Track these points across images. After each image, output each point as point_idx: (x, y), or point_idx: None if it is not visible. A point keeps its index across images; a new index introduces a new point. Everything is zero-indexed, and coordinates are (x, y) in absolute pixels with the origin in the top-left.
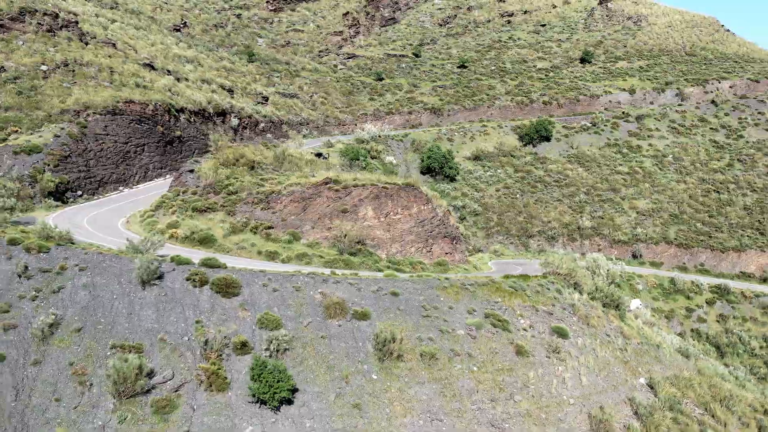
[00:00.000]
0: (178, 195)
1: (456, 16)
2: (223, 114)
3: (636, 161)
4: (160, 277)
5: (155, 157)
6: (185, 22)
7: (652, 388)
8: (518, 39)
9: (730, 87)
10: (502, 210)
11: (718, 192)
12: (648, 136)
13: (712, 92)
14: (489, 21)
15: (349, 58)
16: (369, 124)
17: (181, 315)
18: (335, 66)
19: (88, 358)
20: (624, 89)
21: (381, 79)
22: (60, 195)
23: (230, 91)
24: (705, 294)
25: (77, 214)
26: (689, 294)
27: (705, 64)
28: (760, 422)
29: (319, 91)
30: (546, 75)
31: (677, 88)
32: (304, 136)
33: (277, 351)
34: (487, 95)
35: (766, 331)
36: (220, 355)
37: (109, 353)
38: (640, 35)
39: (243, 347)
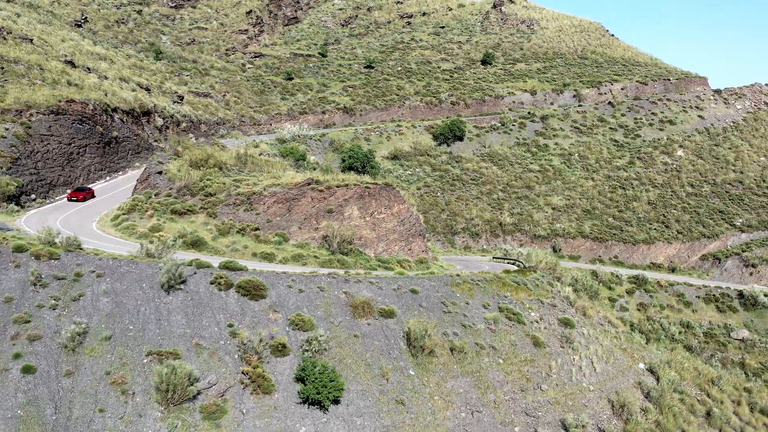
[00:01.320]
0: (151, 197)
1: (357, 16)
2: (147, 114)
3: (545, 159)
4: (183, 282)
5: (96, 159)
6: (86, 18)
7: (652, 372)
8: (420, 40)
9: (622, 89)
10: (426, 208)
11: (623, 188)
12: (554, 136)
13: (605, 94)
14: (389, 22)
15: (256, 57)
16: (288, 123)
17: (213, 319)
18: (243, 65)
19: (125, 367)
20: (526, 90)
21: (291, 79)
22: (16, 199)
23: (147, 89)
24: (625, 285)
25: (46, 218)
26: (610, 285)
27: (597, 66)
28: (748, 399)
29: (231, 91)
30: (451, 76)
31: (574, 90)
32: (222, 136)
33: (317, 351)
34: (397, 95)
35: (683, 317)
36: (260, 357)
37: (145, 360)
38: (534, 39)
39: (282, 349)
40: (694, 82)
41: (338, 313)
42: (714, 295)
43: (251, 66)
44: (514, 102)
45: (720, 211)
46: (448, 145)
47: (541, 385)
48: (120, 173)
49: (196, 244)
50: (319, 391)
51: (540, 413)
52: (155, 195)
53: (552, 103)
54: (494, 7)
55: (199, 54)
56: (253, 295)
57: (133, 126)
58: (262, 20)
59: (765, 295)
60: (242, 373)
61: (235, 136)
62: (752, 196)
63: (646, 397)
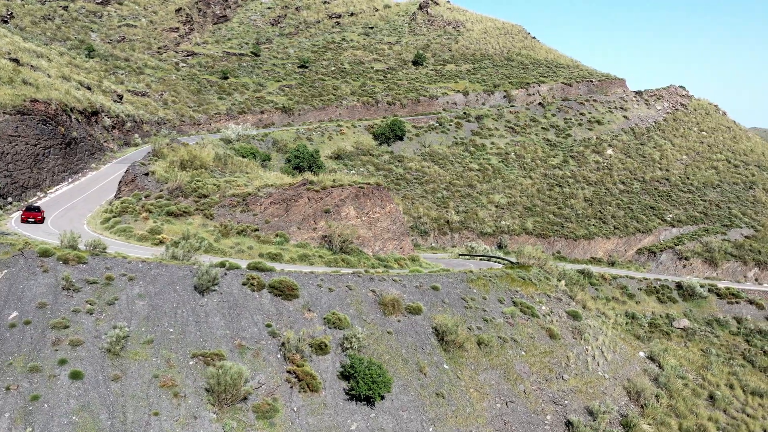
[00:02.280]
0: (141, 199)
1: (286, 16)
2: (95, 114)
3: (484, 159)
4: (216, 283)
5: (59, 160)
6: (11, 13)
7: (652, 360)
8: (351, 41)
9: (549, 90)
10: None
11: (560, 186)
12: (489, 135)
13: (533, 94)
14: (319, 22)
15: (189, 55)
16: (231, 123)
17: (251, 320)
18: (177, 64)
19: (172, 369)
20: (458, 91)
21: (226, 78)
22: None
23: (89, 88)
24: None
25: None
26: (558, 279)
27: (523, 68)
28: (739, 382)
29: (167, 90)
30: (385, 76)
31: (504, 91)
32: (165, 136)
33: (357, 349)
34: (334, 95)
35: (628, 309)
36: (302, 356)
37: (191, 362)
38: (461, 40)
39: (324, 347)
40: (614, 83)
41: (369, 311)
42: (654, 287)
43: (185, 65)
44: (447, 102)
45: (651, 207)
46: (389, 145)
47: (563, 375)
48: (80, 175)
49: (175, 245)
50: (370, 387)
51: (566, 401)
52: (145, 197)
53: (484, 104)
54: (420, 8)
55: (131, 52)
56: (287, 295)
57: (87, 126)
58: (191, 18)
59: (701, 286)
60: (287, 372)
61: (173, 135)
62: (679, 192)
63: (655, 383)
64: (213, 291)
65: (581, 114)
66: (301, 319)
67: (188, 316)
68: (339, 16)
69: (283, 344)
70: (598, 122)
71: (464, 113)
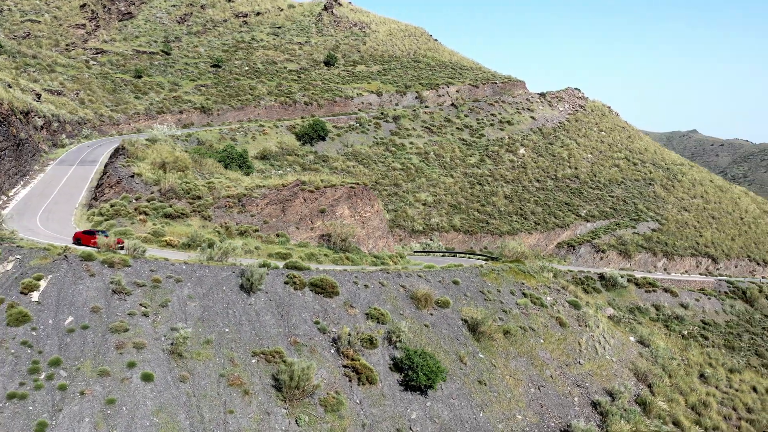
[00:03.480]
0: (131, 201)
1: (192, 13)
2: (26, 114)
3: (405, 158)
4: (261, 283)
5: (12, 162)
6: None
7: (642, 343)
8: (261, 40)
9: (457, 91)
10: None
11: (480, 184)
12: (407, 135)
13: (443, 95)
14: (226, 21)
15: (98, 53)
16: (156, 123)
17: (299, 317)
18: (87, 61)
19: (236, 368)
20: (372, 92)
21: (140, 77)
22: None
23: (9, 86)
24: None
25: (22, 223)
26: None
27: (430, 69)
28: (719, 362)
29: (82, 89)
30: (299, 76)
31: (416, 92)
32: (86, 136)
33: (402, 341)
34: (252, 95)
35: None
36: (355, 350)
37: (253, 361)
38: (369, 41)
39: (373, 342)
40: (516, 85)
41: (404, 306)
42: (580, 278)
43: (95, 63)
44: (363, 103)
45: (566, 204)
46: (312, 145)
47: (579, 360)
48: (28, 178)
49: (210, 246)
50: (429, 376)
51: (587, 384)
52: (136, 199)
53: (397, 104)
54: (325, 9)
55: (38, 49)
56: (329, 292)
57: (26, 127)
58: (97, 15)
59: (621, 277)
60: (344, 366)
61: (96, 136)
62: (589, 189)
63: (653, 365)
64: (259, 290)
65: (492, 115)
66: (345, 316)
67: (240, 315)
68: (245, 16)
69: (334, 340)
70: (509, 123)
71: (381, 113)
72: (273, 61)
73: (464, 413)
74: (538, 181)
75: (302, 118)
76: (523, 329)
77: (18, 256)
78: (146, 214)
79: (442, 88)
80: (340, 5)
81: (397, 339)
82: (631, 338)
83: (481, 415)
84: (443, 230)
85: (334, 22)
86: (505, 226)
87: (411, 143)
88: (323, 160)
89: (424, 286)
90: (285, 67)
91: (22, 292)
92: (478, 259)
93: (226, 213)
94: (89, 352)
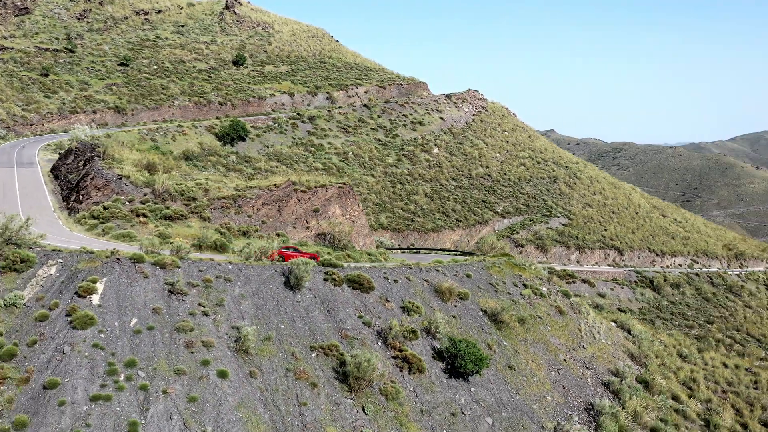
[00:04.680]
0: (124, 204)
1: (91, 10)
2: None
3: (326, 158)
4: (305, 280)
5: None
6: None
7: (622, 328)
8: (166, 39)
9: (365, 92)
10: None
11: (401, 183)
12: (324, 136)
13: (353, 96)
14: (126, 18)
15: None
16: (77, 123)
17: (344, 312)
18: None
19: (299, 362)
20: (284, 92)
21: (47, 75)
22: None
23: None
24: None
25: None
26: None
27: (337, 70)
28: (686, 342)
29: None
30: (210, 76)
31: (327, 92)
32: (2, 137)
33: (440, 332)
34: (165, 95)
35: None
36: (400, 342)
37: (313, 355)
38: (274, 42)
39: (414, 333)
40: (420, 86)
41: (431, 299)
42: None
43: None
44: (276, 103)
45: (483, 201)
46: (233, 145)
47: (583, 345)
48: None
49: (221, 246)
50: (475, 363)
51: (594, 366)
52: (129, 201)
53: (309, 105)
54: (226, 8)
55: None
56: (366, 288)
57: None
58: None
59: (543, 269)
60: (393, 357)
61: (12, 137)
62: (501, 187)
63: (639, 347)
64: (304, 288)
65: (404, 115)
66: (383, 310)
67: (291, 312)
68: (146, 13)
69: (378, 333)
70: (420, 123)
71: (297, 114)
72: (181, 60)
73: (503, 396)
74: (454, 179)
75: (217, 118)
76: (533, 317)
77: (59, 260)
78: (145, 216)
79: (352, 88)
80: (240, 4)
81: (436, 330)
82: (613, 323)
83: (517, 397)
84: (372, 228)
85: (238, 21)
86: (430, 224)
87: (329, 143)
88: (246, 161)
89: (444, 279)
90: (194, 67)
91: (80, 295)
92: (453, 254)
93: (223, 214)
94: (161, 352)
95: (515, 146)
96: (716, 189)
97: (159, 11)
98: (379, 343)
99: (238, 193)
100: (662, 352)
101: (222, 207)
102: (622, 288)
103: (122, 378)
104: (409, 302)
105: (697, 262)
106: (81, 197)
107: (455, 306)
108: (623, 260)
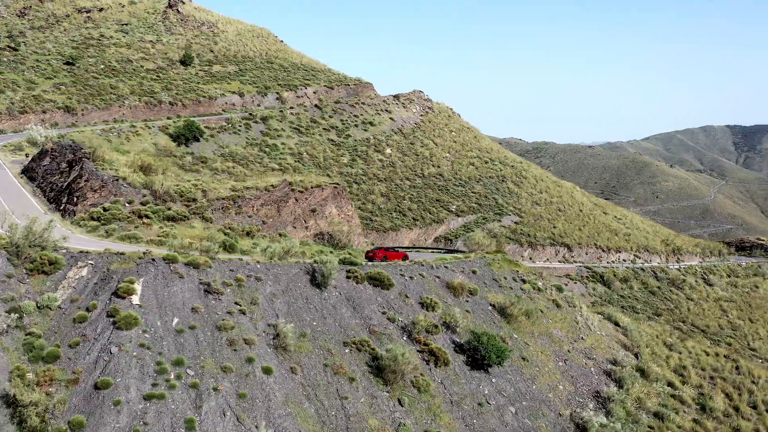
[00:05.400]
0: (124, 205)
1: (31, 7)
2: None
3: (281, 158)
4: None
5: None
6: None
7: (608, 320)
8: (110, 37)
9: (314, 92)
10: None
11: (357, 183)
12: (278, 136)
13: (302, 96)
14: (68, 16)
15: None
16: (36, 125)
17: (369, 309)
18: None
19: (335, 357)
20: (234, 92)
21: None
22: None
23: None
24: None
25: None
26: None
27: (285, 71)
28: (666, 332)
29: None
30: (158, 76)
31: (277, 93)
32: None
33: (459, 326)
34: (115, 95)
35: None
36: (425, 336)
37: (346, 351)
38: (220, 42)
39: (436, 327)
40: (367, 87)
41: (444, 295)
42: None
43: None
44: (226, 103)
45: (437, 200)
46: (188, 146)
47: (582, 336)
48: None
49: (231, 247)
50: (498, 355)
51: (594, 356)
52: (129, 203)
53: (259, 105)
54: (170, 6)
55: None
56: (386, 285)
57: None
58: None
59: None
60: (418, 351)
61: None
62: (453, 186)
63: (628, 337)
64: (329, 285)
65: (354, 116)
66: (404, 306)
67: (321, 309)
68: (89, 11)
69: (402, 328)
70: (371, 123)
71: (250, 114)
72: (128, 59)
73: (521, 386)
74: (408, 179)
75: (169, 118)
76: (537, 311)
77: (90, 262)
78: (148, 217)
79: (301, 89)
80: (183, 3)
81: (455, 324)
82: (599, 315)
83: (533, 387)
84: None
85: (182, 20)
86: (388, 223)
87: (283, 144)
88: (202, 161)
89: (454, 276)
90: (142, 66)
91: (119, 296)
92: (439, 252)
93: (224, 214)
94: (205, 350)
95: (463, 146)
96: (633, 187)
97: (101, 9)
98: (404, 338)
99: (236, 193)
100: (650, 342)
101: (222, 208)
102: (575, 283)
103: (172, 377)
104: (427, 298)
105: (640, 258)
106: (75, 199)
107: (467, 301)
108: (572, 256)
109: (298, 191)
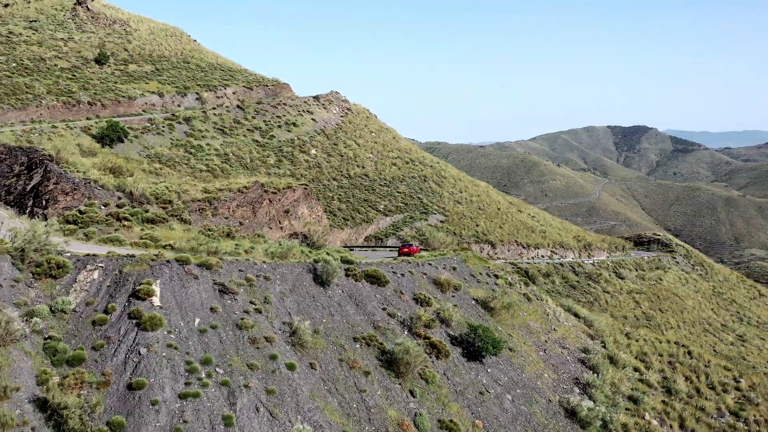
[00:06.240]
0: (101, 208)
1: None
2: None
3: (207, 159)
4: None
5: None
6: None
7: (568, 311)
8: (20, 34)
9: (233, 93)
10: None
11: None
12: (202, 137)
13: (222, 97)
14: None
15: None
16: None
17: (371, 305)
18: None
19: (347, 353)
20: (153, 92)
21: None
22: None
23: None
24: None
25: None
26: None
27: (202, 71)
28: (627, 323)
29: None
30: (74, 75)
31: (196, 93)
32: None
33: (453, 320)
34: (31, 95)
35: None
36: (424, 330)
37: (357, 346)
38: (134, 40)
39: (432, 322)
40: (284, 88)
41: (433, 290)
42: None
43: None
44: (146, 103)
45: (365, 200)
46: (112, 147)
47: (554, 327)
48: None
49: (214, 250)
50: (494, 346)
51: (567, 345)
52: (104, 205)
53: (179, 105)
54: (79, 3)
55: None
56: (382, 282)
57: None
58: None
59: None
60: (419, 345)
61: None
62: (379, 186)
63: (592, 328)
64: (331, 283)
65: (277, 116)
66: (400, 301)
67: (327, 306)
68: None
69: (401, 322)
70: (294, 124)
71: (173, 115)
72: (41, 57)
73: (513, 375)
74: (335, 180)
75: (88, 118)
76: (514, 304)
77: (100, 265)
78: (127, 219)
79: (220, 89)
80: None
81: (450, 318)
82: (559, 308)
83: (523, 375)
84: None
85: (93, 18)
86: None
87: (207, 144)
88: (128, 163)
89: (439, 272)
90: (56, 65)
91: (140, 298)
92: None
93: (201, 216)
94: (230, 349)
95: (384, 146)
96: (523, 186)
97: (6, 5)
98: (405, 332)
99: (210, 195)
100: (611, 331)
101: (199, 209)
102: None
103: (203, 375)
104: (421, 294)
105: (556, 253)
106: (45, 203)
107: (453, 296)
108: (496, 253)
109: (272, 192)
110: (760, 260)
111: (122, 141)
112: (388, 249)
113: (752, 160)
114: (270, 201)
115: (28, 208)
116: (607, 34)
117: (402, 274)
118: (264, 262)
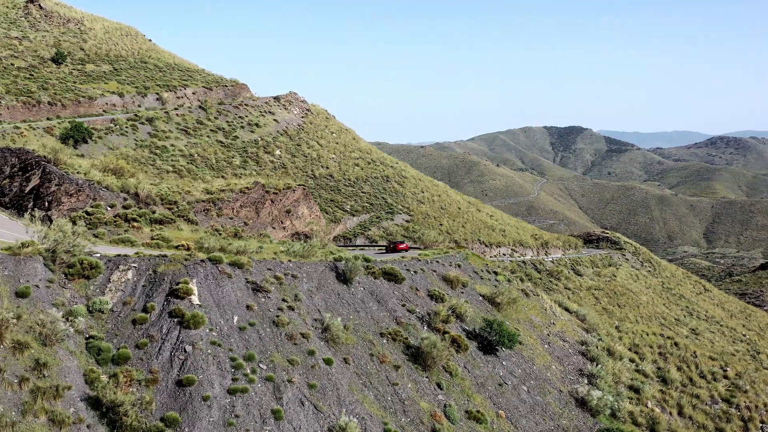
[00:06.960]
0: (107, 209)
1: None
2: None
3: (173, 160)
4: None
5: None
6: None
7: (560, 305)
8: None
9: (193, 93)
10: None
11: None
12: (166, 138)
13: (182, 97)
14: None
15: None
16: None
17: (391, 302)
18: None
19: (376, 347)
20: (113, 92)
21: None
22: None
23: None
24: None
25: None
26: None
27: (160, 71)
28: (614, 316)
29: None
30: (31, 75)
31: (156, 93)
32: None
33: (468, 315)
34: None
35: None
36: (443, 325)
37: (384, 341)
38: (90, 39)
39: (449, 317)
40: (243, 88)
41: (444, 287)
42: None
43: None
44: (107, 104)
45: (332, 200)
46: (77, 147)
47: (552, 321)
48: None
49: (224, 249)
50: (510, 339)
51: (567, 338)
52: (110, 207)
53: (140, 106)
54: (31, 1)
55: None
56: (399, 279)
57: None
58: None
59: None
60: (444, 339)
61: None
62: (344, 186)
63: (585, 321)
64: (353, 281)
65: (240, 117)
66: (416, 298)
67: (352, 303)
68: None
69: (420, 318)
70: (257, 125)
71: (135, 115)
72: None
73: (525, 367)
74: (301, 180)
75: (49, 119)
76: (518, 300)
77: (134, 265)
78: (135, 220)
79: (180, 90)
80: None
81: (464, 313)
82: (554, 303)
83: (534, 368)
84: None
85: (46, 16)
86: None
87: (172, 145)
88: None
89: (447, 270)
90: (12, 64)
91: (179, 297)
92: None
93: (207, 217)
94: (269, 345)
95: (345, 147)
96: (464, 185)
97: None
98: (425, 328)
99: (213, 196)
100: (603, 324)
101: (204, 210)
102: None
103: (248, 371)
104: (435, 290)
105: (516, 251)
106: (48, 204)
107: (462, 292)
108: None
109: (273, 193)
110: (692, 257)
111: (86, 142)
112: (376, 248)
113: (683, 159)
114: (272, 201)
115: (29, 210)
116: (538, 35)
117: (414, 272)
118: (289, 261)
